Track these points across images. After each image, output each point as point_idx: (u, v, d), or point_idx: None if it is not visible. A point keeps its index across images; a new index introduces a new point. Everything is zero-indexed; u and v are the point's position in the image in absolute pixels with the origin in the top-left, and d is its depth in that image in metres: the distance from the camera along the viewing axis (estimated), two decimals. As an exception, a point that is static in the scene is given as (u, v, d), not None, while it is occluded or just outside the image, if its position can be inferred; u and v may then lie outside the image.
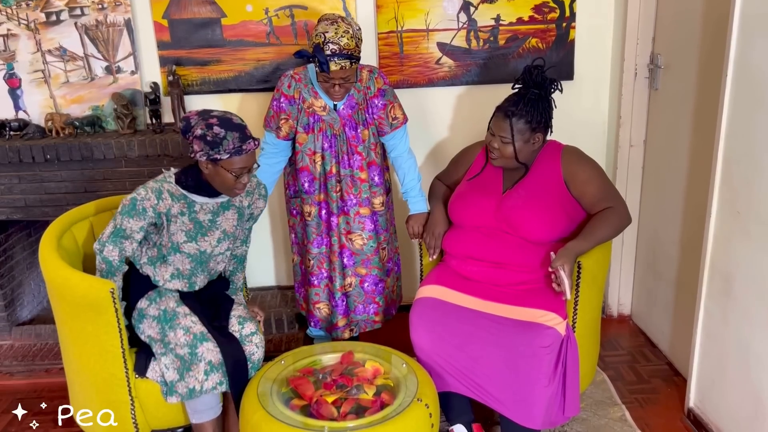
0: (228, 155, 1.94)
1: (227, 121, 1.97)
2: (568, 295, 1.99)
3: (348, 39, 2.20)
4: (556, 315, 2.06)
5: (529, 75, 2.13)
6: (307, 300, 2.65)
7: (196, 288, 2.17)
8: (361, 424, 1.79)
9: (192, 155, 1.99)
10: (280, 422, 1.79)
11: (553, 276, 2.02)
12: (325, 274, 2.56)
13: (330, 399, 1.89)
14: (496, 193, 2.23)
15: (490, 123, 2.19)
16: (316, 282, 2.57)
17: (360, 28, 2.31)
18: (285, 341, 2.94)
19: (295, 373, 2.04)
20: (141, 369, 2.07)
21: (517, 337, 2.04)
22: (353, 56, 2.22)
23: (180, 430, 2.20)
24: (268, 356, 2.24)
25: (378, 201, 2.51)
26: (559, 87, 2.18)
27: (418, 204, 2.53)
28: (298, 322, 3.03)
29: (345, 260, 2.53)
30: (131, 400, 2.06)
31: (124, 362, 2.03)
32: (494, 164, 2.23)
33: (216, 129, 1.93)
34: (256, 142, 2.00)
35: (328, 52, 2.18)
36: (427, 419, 1.87)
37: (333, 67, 2.20)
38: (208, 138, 1.93)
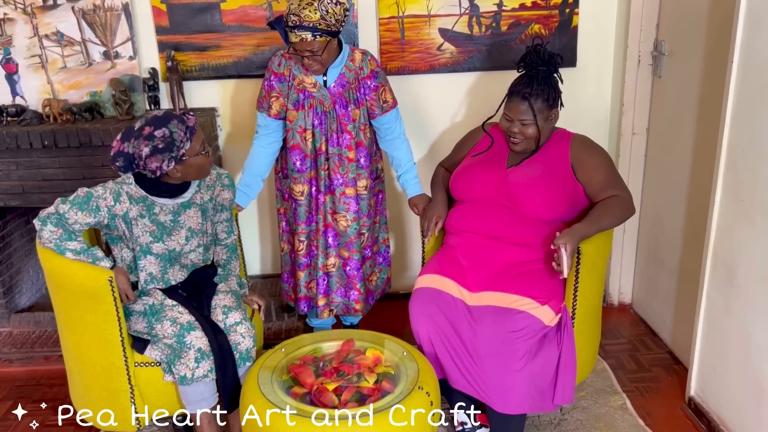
0: (188, 142, 1.91)
1: (155, 119, 1.91)
2: (566, 274, 1.99)
3: (311, 11, 2.16)
4: (532, 300, 2.06)
5: (537, 54, 2.13)
6: (296, 288, 2.62)
7: (173, 283, 2.14)
8: (362, 412, 1.78)
9: (158, 174, 1.92)
10: (281, 410, 1.78)
11: (555, 255, 2.02)
12: (314, 252, 2.55)
13: (331, 387, 1.88)
14: (500, 168, 2.23)
15: (502, 109, 2.18)
16: (306, 261, 2.56)
17: (341, 3, 2.23)
18: (285, 329, 2.94)
19: (296, 361, 2.03)
20: (140, 348, 2.07)
21: (493, 324, 2.05)
22: (316, 29, 2.17)
23: (180, 418, 2.19)
24: (268, 344, 2.23)
25: (362, 184, 2.49)
26: (560, 59, 2.18)
27: (415, 187, 2.55)
28: (285, 311, 3.02)
29: (329, 240, 2.52)
30: (131, 388, 2.05)
31: (123, 350, 2.02)
32: (516, 150, 2.20)
33: (158, 133, 1.88)
34: (191, 113, 1.99)
35: (290, 24, 2.18)
36: (428, 407, 1.86)
37: (292, 38, 2.20)
38: (160, 146, 1.87)
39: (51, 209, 1.96)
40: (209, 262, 2.24)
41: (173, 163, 1.91)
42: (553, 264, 2.02)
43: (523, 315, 2.04)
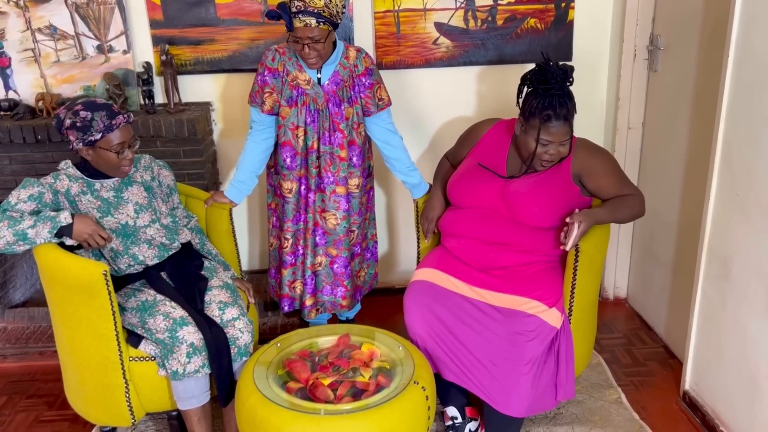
0: (100, 134, 2.00)
1: (91, 103, 2.04)
2: (568, 248, 2.01)
3: None
4: (540, 303, 2.08)
5: (564, 74, 2.03)
6: (280, 284, 2.62)
7: (142, 259, 2.13)
8: (358, 407, 1.78)
9: (71, 148, 2.04)
10: (276, 405, 1.78)
11: (565, 228, 2.03)
12: (301, 251, 2.54)
13: (326, 382, 1.88)
14: (499, 178, 2.21)
15: (536, 136, 2.05)
16: (291, 260, 2.54)
17: None
18: (281, 324, 2.94)
19: (291, 356, 2.03)
20: (135, 342, 2.06)
21: (498, 324, 2.06)
22: (320, 15, 2.18)
23: (175, 413, 2.19)
24: (264, 339, 2.23)
25: (353, 182, 2.49)
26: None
27: (423, 188, 2.54)
28: (269, 309, 3.01)
29: (317, 239, 2.51)
30: (125, 383, 2.05)
31: (118, 345, 2.01)
32: (545, 168, 2.14)
33: (82, 113, 2.00)
34: (126, 116, 2.05)
35: (293, 9, 2.18)
36: (424, 402, 1.86)
37: (297, 24, 2.19)
38: (78, 124, 2.00)
39: None
40: (176, 243, 2.21)
41: (81, 144, 2.02)
42: (561, 235, 2.03)
43: (533, 319, 2.04)
